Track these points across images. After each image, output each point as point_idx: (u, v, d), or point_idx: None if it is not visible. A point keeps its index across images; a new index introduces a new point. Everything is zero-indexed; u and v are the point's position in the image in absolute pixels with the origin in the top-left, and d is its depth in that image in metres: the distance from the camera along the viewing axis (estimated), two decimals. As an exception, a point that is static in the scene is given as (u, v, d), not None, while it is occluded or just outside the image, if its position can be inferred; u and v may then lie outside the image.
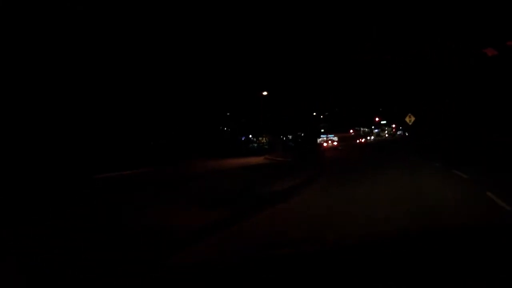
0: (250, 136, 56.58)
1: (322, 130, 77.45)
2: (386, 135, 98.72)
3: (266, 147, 48.04)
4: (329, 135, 79.06)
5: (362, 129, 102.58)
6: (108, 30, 19.16)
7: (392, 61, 32.89)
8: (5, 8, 11.87)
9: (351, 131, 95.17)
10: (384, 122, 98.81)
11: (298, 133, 48.94)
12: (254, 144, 53.54)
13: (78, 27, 15.38)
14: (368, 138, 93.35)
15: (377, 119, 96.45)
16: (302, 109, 44.28)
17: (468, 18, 26.87)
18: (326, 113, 77.92)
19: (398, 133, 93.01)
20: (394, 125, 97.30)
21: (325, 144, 64.60)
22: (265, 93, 40.94)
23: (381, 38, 29.63)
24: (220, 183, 13.97)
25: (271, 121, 44.45)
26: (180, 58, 29.88)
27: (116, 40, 20.96)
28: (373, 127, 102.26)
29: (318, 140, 65.31)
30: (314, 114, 63.90)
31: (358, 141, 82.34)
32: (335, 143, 69.63)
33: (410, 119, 39.35)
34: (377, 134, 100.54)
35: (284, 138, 52.77)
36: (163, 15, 25.29)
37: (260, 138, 54.50)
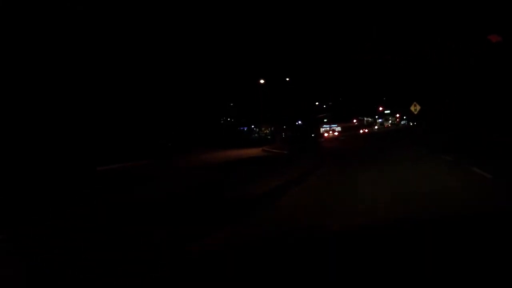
0: (253, 126, 56.51)
1: (325, 120, 77.12)
2: (390, 125, 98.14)
3: (269, 137, 47.94)
4: (332, 125, 78.67)
5: (365, 118, 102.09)
6: (108, 28, 19.24)
7: (392, 61, 32.63)
8: (5, 8, 11.93)
9: (355, 120, 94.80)
10: (388, 111, 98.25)
11: (298, 123, 48.78)
12: (255, 135, 53.48)
13: (78, 27, 15.44)
14: (372, 128, 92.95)
15: (380, 108, 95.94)
16: (303, 100, 44.12)
17: (470, 7, 26.64)
18: (330, 103, 77.51)
19: (402, 122, 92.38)
20: (398, 115, 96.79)
21: (326, 135, 64.36)
22: (262, 81, 40.76)
23: (381, 38, 29.50)
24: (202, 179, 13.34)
25: (269, 113, 44.35)
26: (179, 51, 29.87)
27: (116, 39, 21.04)
28: (376, 116, 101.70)
29: (321, 130, 65.05)
30: (317, 103, 63.59)
31: (361, 131, 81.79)
32: (336, 133, 69.20)
33: (415, 108, 38.09)
34: (381, 124, 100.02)
35: (285, 128, 52.69)
36: (162, 13, 25.24)
37: (262, 129, 54.38)
